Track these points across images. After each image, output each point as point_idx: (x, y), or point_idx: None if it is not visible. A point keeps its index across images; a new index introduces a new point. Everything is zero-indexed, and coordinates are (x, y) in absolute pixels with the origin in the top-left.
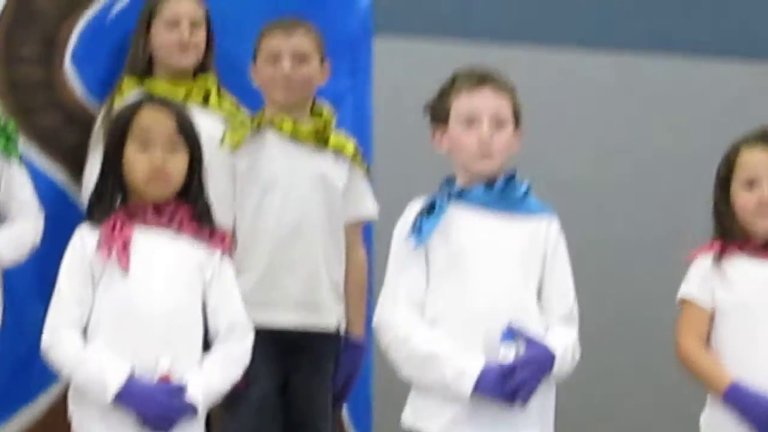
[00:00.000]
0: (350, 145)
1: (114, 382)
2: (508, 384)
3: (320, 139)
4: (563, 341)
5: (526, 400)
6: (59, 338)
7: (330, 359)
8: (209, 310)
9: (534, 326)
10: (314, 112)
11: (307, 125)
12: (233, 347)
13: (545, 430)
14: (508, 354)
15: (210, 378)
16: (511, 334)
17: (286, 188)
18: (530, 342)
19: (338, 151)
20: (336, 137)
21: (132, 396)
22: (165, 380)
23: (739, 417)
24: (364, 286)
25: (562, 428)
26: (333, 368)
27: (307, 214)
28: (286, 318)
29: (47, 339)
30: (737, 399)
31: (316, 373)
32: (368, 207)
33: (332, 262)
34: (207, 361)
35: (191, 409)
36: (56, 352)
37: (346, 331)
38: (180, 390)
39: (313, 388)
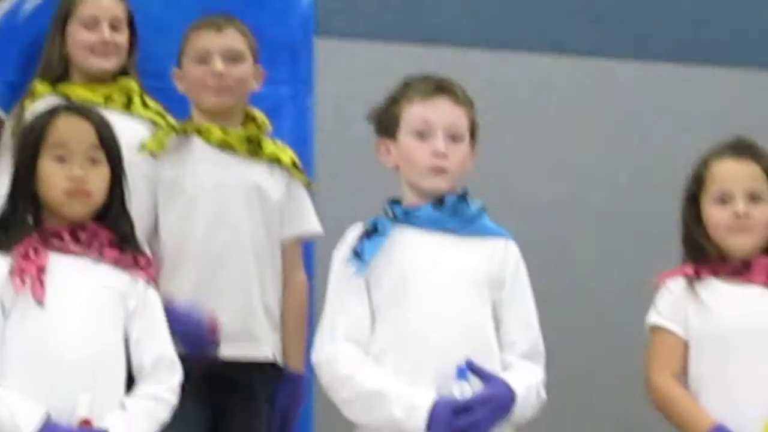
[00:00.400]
0: (287, 154)
1: (28, 427)
2: (462, 419)
3: (254, 148)
4: (526, 379)
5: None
6: None
7: (265, 397)
8: (132, 342)
9: (493, 362)
10: (247, 118)
11: (239, 132)
12: (159, 387)
13: None
14: (462, 391)
15: (133, 422)
16: (464, 371)
17: (214, 203)
18: (489, 378)
19: (274, 161)
20: (271, 145)
21: None
22: (86, 424)
23: None
24: (304, 312)
25: None
26: (269, 407)
27: (239, 232)
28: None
29: None
30: None
31: (250, 414)
32: (310, 222)
33: (267, 286)
34: (131, 403)
35: None
36: None
37: (284, 363)
38: None
39: (247, 430)
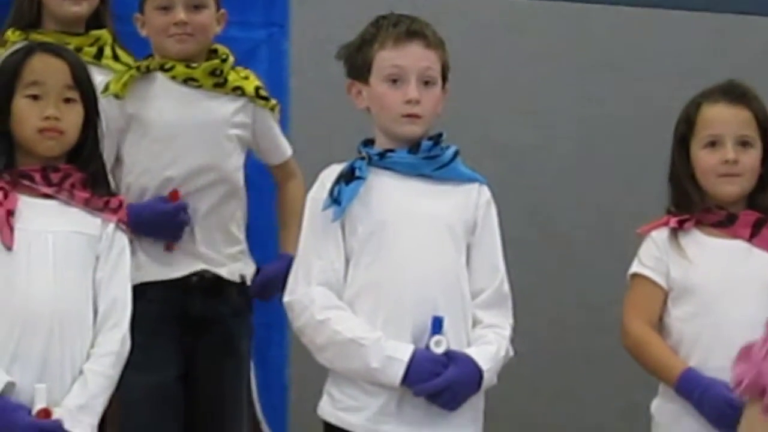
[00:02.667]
0: (251, 83)
1: None
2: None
3: (218, 80)
4: (492, 351)
5: (453, 410)
6: None
7: (244, 335)
8: (95, 284)
9: (465, 310)
10: (210, 52)
11: (203, 65)
12: (108, 342)
13: (477, 430)
14: (439, 345)
15: (87, 403)
16: (439, 323)
17: (179, 141)
18: (457, 359)
19: (238, 92)
20: (235, 75)
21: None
22: (44, 414)
23: (693, 406)
24: (298, 212)
25: (506, 421)
26: (247, 349)
27: (206, 167)
28: (189, 268)
29: None
30: (691, 389)
31: (224, 353)
32: (283, 149)
33: (224, 214)
34: (79, 385)
35: None
36: None
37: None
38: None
39: (224, 371)
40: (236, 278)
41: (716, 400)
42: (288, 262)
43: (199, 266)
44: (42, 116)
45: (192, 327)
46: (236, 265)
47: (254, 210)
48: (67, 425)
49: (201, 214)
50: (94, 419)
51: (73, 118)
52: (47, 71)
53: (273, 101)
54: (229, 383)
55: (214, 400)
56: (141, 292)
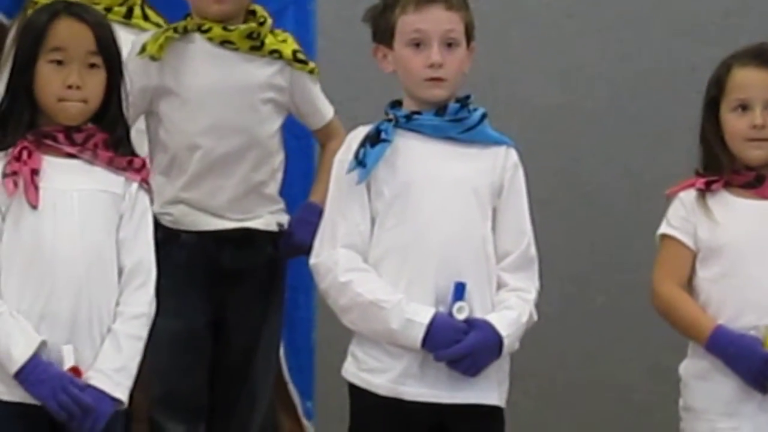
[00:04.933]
0: (289, 46)
1: (18, 360)
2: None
3: (255, 42)
4: (513, 316)
5: (474, 376)
6: None
7: (277, 287)
8: (118, 242)
9: (490, 274)
10: (247, 14)
11: (240, 28)
12: (137, 302)
13: (500, 397)
14: (461, 311)
15: (123, 366)
16: (462, 289)
17: (211, 101)
18: (477, 326)
19: (275, 55)
20: (272, 38)
21: (32, 378)
22: (75, 371)
23: (725, 363)
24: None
25: (533, 383)
26: (280, 302)
27: (240, 133)
28: (221, 221)
29: None
30: (723, 345)
31: (258, 304)
32: (325, 111)
33: (258, 178)
34: (113, 348)
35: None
36: None
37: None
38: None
39: (256, 323)
40: (273, 227)
41: (750, 355)
42: (311, 211)
43: (232, 225)
44: (65, 84)
45: (224, 277)
46: (273, 216)
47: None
48: (107, 388)
49: (235, 178)
50: (130, 381)
51: (95, 83)
52: (71, 37)
53: (312, 65)
54: (259, 335)
55: (244, 351)
56: (174, 235)
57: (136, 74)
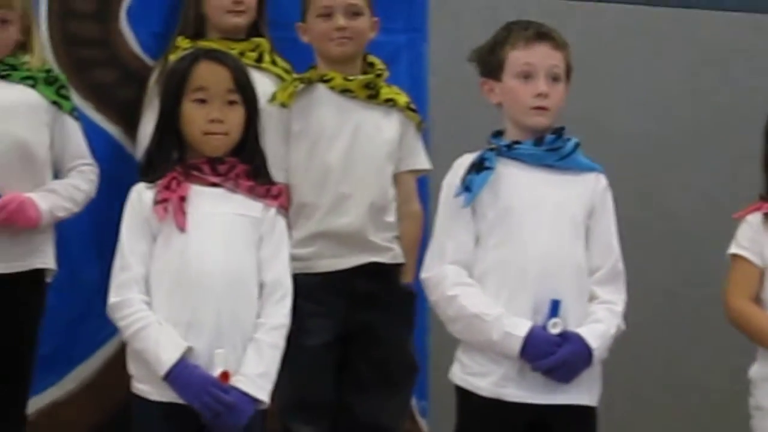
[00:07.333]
0: (402, 97)
1: (167, 362)
2: (551, 370)
3: (372, 92)
4: (602, 329)
5: (568, 383)
6: (125, 300)
7: (408, 303)
8: (259, 261)
9: (582, 294)
10: (365, 65)
11: (359, 79)
12: (276, 314)
13: (593, 398)
14: (555, 327)
15: (266, 371)
16: (557, 306)
17: (332, 139)
18: (570, 338)
19: (390, 104)
20: (387, 89)
21: (179, 380)
22: (224, 377)
23: None
24: (417, 238)
25: (626, 383)
26: (412, 317)
27: (364, 167)
28: (347, 260)
29: (114, 299)
30: None
31: (394, 315)
32: (420, 159)
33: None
34: (256, 355)
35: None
36: (121, 313)
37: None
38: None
39: (393, 333)
40: (399, 260)
41: None
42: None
43: (367, 259)
44: (208, 119)
45: (358, 301)
46: (397, 251)
47: None
48: (251, 391)
49: (367, 204)
50: (271, 385)
51: (235, 118)
52: (211, 77)
53: (419, 118)
54: (397, 348)
55: (382, 365)
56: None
57: (270, 118)
